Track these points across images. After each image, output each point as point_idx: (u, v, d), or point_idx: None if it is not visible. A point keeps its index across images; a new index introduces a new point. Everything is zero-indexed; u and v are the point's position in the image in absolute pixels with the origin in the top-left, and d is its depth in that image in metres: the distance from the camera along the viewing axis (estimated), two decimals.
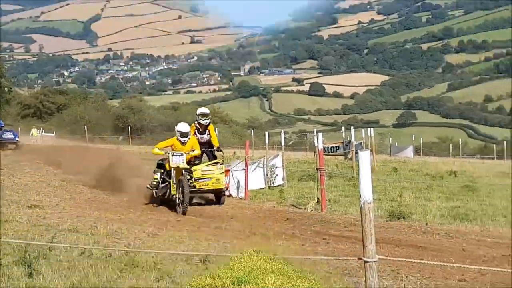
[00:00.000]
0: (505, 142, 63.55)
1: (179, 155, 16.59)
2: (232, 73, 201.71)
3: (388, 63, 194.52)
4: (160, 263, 9.15)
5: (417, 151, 56.63)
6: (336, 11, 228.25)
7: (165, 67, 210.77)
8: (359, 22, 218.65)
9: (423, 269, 9.23)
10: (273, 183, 22.38)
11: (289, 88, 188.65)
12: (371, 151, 31.03)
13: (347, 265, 9.38)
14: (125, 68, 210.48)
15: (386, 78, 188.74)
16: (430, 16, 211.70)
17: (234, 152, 35.78)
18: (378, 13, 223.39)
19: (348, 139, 33.58)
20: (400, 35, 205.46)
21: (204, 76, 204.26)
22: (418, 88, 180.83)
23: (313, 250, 11.49)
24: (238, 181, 20.33)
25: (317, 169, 17.99)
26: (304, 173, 25.80)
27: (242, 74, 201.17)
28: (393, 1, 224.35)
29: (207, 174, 17.52)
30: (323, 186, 17.22)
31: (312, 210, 17.06)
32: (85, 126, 54.33)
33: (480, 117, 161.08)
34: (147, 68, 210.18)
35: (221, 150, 18.84)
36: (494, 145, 71.30)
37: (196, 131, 18.23)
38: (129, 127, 59.23)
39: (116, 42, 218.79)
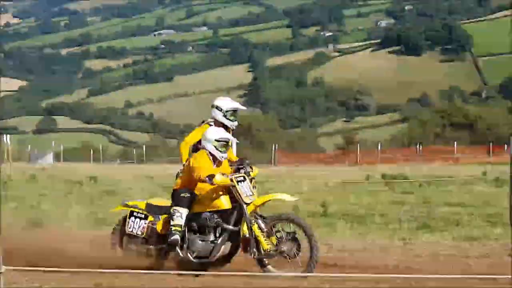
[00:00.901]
0: (144, 146, 65.74)
1: (243, 180, 9.66)
2: None
3: (26, 68, 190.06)
4: None
5: (58, 157, 56.46)
6: None
7: None
8: None
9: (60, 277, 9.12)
10: None
11: None
12: (7, 158, 30.37)
13: None
14: None
15: (24, 83, 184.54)
16: (69, 22, 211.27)
17: None
18: (14, 16, 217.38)
19: None
20: (38, 39, 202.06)
21: None
22: (58, 94, 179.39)
23: None
24: None
25: None
26: None
27: None
28: (29, 4, 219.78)
29: None
30: None
31: None
32: None
33: (121, 122, 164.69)
34: None
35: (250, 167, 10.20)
36: (134, 149, 73.40)
37: None
38: None
39: None
